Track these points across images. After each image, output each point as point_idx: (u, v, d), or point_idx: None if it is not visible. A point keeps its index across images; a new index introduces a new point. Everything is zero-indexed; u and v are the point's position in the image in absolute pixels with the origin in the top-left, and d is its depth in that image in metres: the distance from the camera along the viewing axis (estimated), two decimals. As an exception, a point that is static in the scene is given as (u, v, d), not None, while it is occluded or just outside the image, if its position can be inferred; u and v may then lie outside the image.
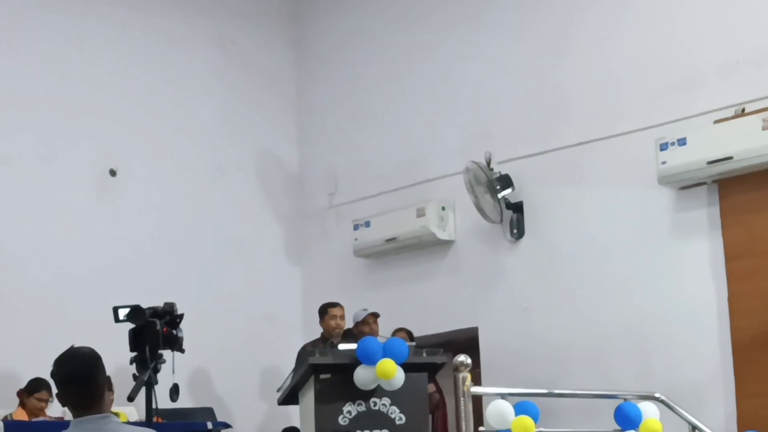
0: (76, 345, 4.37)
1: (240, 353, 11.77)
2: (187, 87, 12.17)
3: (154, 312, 6.70)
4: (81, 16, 11.50)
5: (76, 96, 11.34)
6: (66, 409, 4.51)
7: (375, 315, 10.36)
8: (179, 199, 11.85)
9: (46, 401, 9.49)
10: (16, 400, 9.64)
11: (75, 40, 11.44)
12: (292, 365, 9.44)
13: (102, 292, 10.48)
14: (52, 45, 11.30)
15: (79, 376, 4.22)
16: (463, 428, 7.04)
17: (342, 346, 9.05)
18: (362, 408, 8.40)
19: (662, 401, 7.96)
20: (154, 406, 6.27)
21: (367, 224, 11.55)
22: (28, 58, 11.12)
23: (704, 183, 9.21)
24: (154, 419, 6.46)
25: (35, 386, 9.53)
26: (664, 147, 9.18)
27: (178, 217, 11.80)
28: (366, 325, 10.25)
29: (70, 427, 4.20)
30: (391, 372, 8.30)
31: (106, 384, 4.33)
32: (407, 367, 8.51)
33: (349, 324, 10.42)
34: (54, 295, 10.77)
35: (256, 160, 12.61)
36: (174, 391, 6.67)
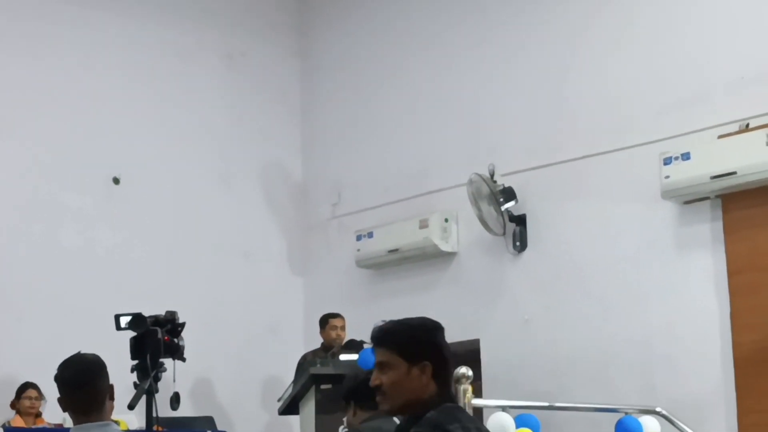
0: (82, 351, 4.39)
1: (241, 362, 11.77)
2: (193, 97, 12.20)
3: (156, 320, 6.70)
4: (89, 26, 11.54)
5: (83, 104, 11.38)
6: (66, 415, 4.53)
7: None
8: (183, 209, 11.87)
9: (35, 398, 9.60)
10: (19, 406, 9.73)
11: (83, 49, 11.48)
12: (293, 375, 9.45)
13: (105, 300, 10.45)
14: (60, 54, 11.35)
15: (81, 381, 4.24)
16: (464, 440, 7.02)
17: (343, 357, 9.07)
18: (363, 419, 8.40)
19: (663, 416, 7.95)
20: (154, 415, 6.26)
21: (370, 235, 11.55)
22: (36, 67, 11.17)
23: (708, 198, 9.21)
24: (155, 428, 6.46)
25: (21, 388, 9.75)
26: (667, 161, 9.19)
27: (182, 226, 11.81)
28: None
29: None
30: (392, 383, 8.28)
31: (109, 392, 4.34)
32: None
33: (357, 333, 10.41)
34: (57, 303, 10.78)
35: (261, 171, 12.63)
36: (174, 400, 6.67)
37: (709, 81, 9.43)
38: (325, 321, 10.35)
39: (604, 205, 10.00)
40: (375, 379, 3.70)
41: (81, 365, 4.31)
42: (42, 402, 9.68)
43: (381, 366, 3.70)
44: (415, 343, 3.70)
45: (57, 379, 4.32)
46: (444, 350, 3.73)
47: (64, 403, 4.31)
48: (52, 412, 9.54)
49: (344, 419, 5.47)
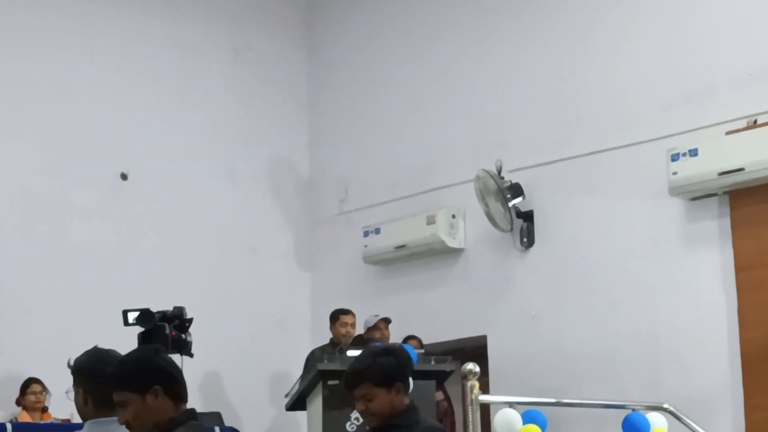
0: (98, 346, 4.41)
1: (249, 358, 11.78)
2: (200, 92, 12.20)
3: (164, 316, 6.74)
4: (95, 21, 11.55)
5: (90, 99, 11.39)
6: (74, 410, 4.52)
7: (386, 320, 10.34)
8: (190, 204, 11.88)
9: (40, 393, 9.68)
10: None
11: (89, 44, 11.49)
12: (301, 371, 9.45)
13: (111, 296, 10.51)
14: (67, 49, 11.36)
15: (117, 377, 4.27)
16: (471, 436, 7.03)
17: (351, 353, 9.06)
18: (370, 415, 8.39)
19: (671, 412, 7.94)
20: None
21: (377, 231, 11.55)
22: (42, 62, 11.18)
23: (715, 194, 9.20)
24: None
25: (25, 385, 9.79)
26: (675, 157, 9.18)
27: (189, 221, 11.82)
28: (377, 330, 10.24)
29: (84, 427, 4.23)
30: (399, 379, 8.27)
31: None
32: (415, 375, 8.47)
33: (360, 329, 10.43)
34: (65, 298, 10.80)
35: (268, 166, 12.63)
36: (182, 396, 6.67)
37: (716, 77, 9.42)
38: (336, 317, 10.34)
39: (612, 202, 9.99)
40: (121, 418, 3.99)
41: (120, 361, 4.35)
42: (47, 396, 9.71)
43: (120, 405, 3.99)
44: (139, 373, 3.97)
45: (94, 371, 4.31)
46: (167, 368, 4.02)
47: (94, 393, 4.30)
48: (57, 407, 9.57)
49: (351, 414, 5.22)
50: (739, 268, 9.05)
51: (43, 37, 11.23)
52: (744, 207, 9.06)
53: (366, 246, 11.69)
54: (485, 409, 7.69)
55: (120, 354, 4.36)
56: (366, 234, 11.69)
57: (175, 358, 6.59)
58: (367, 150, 12.25)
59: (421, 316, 11.17)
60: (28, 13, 11.17)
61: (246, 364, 11.77)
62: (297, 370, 9.80)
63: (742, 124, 9.10)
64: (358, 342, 10.12)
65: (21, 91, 11.01)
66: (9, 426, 8.43)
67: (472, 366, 6.83)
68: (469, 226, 11.06)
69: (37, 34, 11.20)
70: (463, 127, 11.32)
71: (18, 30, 11.10)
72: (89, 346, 4.52)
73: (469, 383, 6.80)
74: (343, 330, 10.21)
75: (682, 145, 9.21)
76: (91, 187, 11.28)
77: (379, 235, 11.54)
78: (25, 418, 9.58)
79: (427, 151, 11.59)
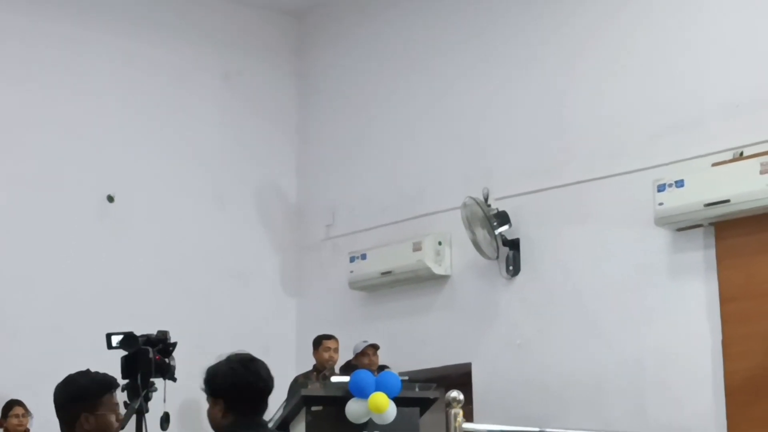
0: (84, 369, 4.41)
1: (233, 383, 11.73)
2: (189, 117, 12.20)
3: (147, 340, 6.71)
4: (85, 45, 11.55)
5: (77, 123, 11.39)
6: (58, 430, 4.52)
7: (375, 347, 10.33)
8: (177, 228, 11.86)
9: (23, 416, 9.68)
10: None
11: (78, 69, 11.48)
12: (284, 396, 9.43)
13: (98, 318, 10.45)
14: (56, 74, 11.35)
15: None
16: (454, 464, 7.00)
17: (334, 379, 9.06)
18: (353, 442, 8.39)
19: (654, 442, 7.94)
20: (144, 435, 6.27)
21: (363, 257, 11.54)
22: (31, 87, 11.17)
23: (701, 225, 9.22)
24: (144, 447, 6.46)
25: (7, 407, 9.78)
26: (661, 188, 9.20)
27: (176, 245, 11.80)
28: (365, 356, 10.23)
29: None
30: (383, 406, 8.29)
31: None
32: (399, 402, 8.50)
33: (348, 355, 10.41)
34: (50, 321, 10.77)
35: (256, 191, 12.62)
36: (164, 420, 6.67)
37: (703, 109, 9.45)
38: (319, 342, 10.35)
39: (598, 231, 10.01)
40: None
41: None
42: (29, 419, 9.69)
43: None
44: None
45: (55, 396, 4.32)
46: None
47: (61, 419, 4.31)
48: (40, 429, 9.52)
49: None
50: (724, 300, 9.06)
51: (31, 63, 11.22)
52: (729, 238, 9.08)
53: (352, 272, 11.68)
54: (469, 437, 7.66)
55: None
56: (352, 260, 11.68)
57: (158, 382, 6.59)
58: (354, 176, 12.27)
59: (407, 342, 11.16)
60: (15, 40, 11.16)
61: (230, 389, 11.71)
62: (280, 395, 9.76)
63: (729, 155, 9.13)
64: (346, 368, 10.12)
65: (9, 115, 11.00)
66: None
67: (456, 394, 6.82)
68: (456, 254, 11.07)
69: (24, 59, 11.19)
70: (451, 154, 11.34)
71: (5, 56, 11.10)
72: (74, 369, 4.53)
73: (453, 411, 6.79)
74: (326, 355, 10.22)
75: (669, 175, 9.24)
76: (77, 211, 11.26)
77: (365, 261, 11.53)
78: (6, 441, 9.57)
79: (414, 178, 11.61)
